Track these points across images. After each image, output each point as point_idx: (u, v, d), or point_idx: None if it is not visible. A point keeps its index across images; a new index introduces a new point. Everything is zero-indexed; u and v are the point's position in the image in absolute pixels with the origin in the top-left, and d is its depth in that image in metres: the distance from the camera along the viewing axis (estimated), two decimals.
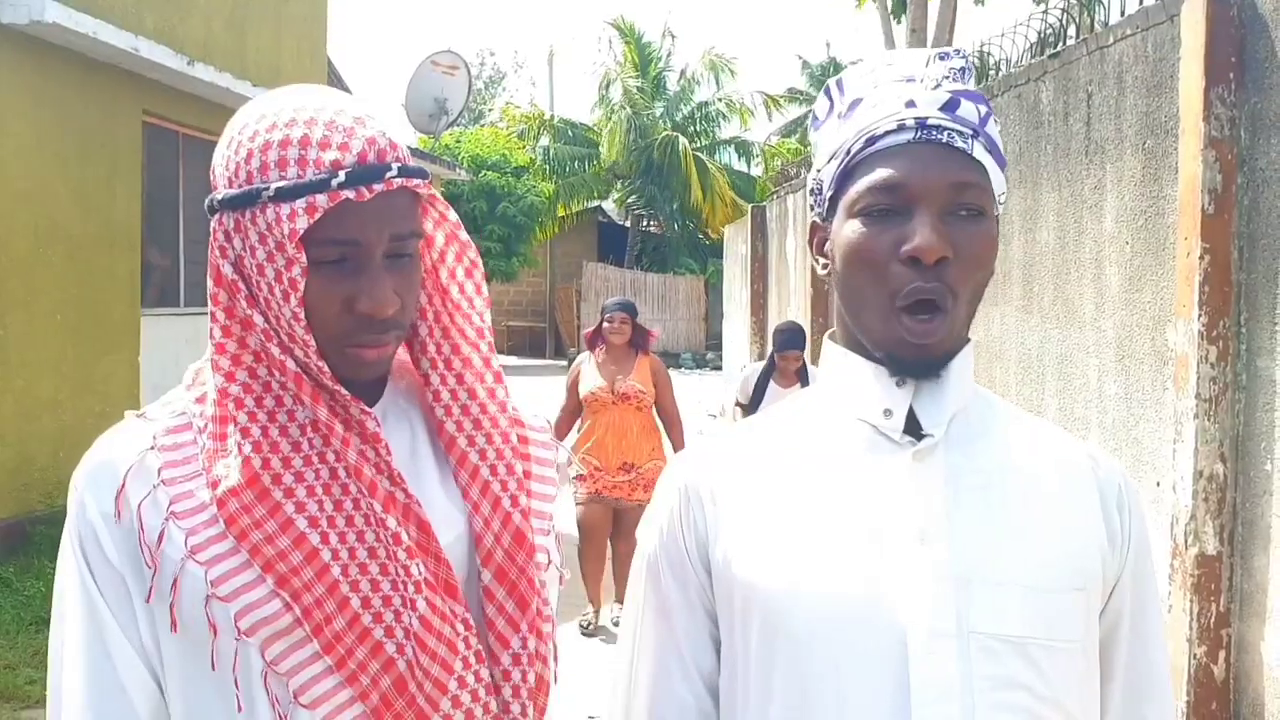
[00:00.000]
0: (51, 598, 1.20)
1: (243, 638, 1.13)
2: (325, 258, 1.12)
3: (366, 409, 1.18)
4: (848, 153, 1.14)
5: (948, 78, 1.14)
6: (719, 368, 20.63)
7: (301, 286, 1.12)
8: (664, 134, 26.61)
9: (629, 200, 28.60)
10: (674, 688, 1.19)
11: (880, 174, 1.11)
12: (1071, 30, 5.99)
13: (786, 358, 6.41)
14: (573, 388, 6.33)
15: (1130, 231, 5.07)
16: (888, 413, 1.15)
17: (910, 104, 1.12)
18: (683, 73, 29.31)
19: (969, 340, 1.21)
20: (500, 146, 24.17)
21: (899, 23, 12.93)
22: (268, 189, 1.11)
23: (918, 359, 1.13)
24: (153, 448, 1.18)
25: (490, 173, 23.01)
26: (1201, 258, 4.27)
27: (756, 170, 29.34)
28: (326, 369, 1.15)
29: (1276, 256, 4.07)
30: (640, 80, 28.44)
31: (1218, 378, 4.25)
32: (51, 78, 6.83)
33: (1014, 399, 6.25)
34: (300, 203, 1.10)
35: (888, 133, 1.11)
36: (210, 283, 1.17)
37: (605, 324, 6.37)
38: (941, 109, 1.12)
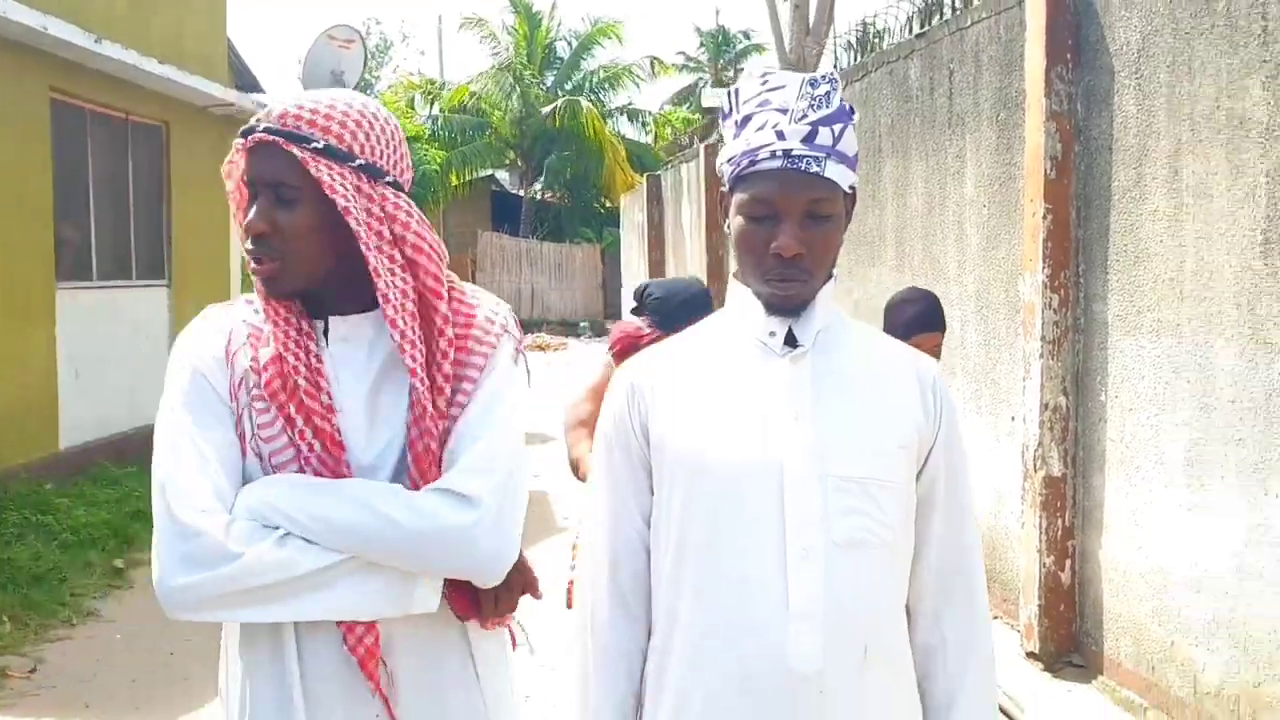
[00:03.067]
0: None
1: (274, 470, 1.58)
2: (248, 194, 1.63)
3: (309, 321, 1.63)
4: (738, 164, 1.61)
5: (812, 106, 1.60)
6: None
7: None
8: (564, 99, 26.84)
9: (523, 168, 28.77)
10: (623, 526, 1.68)
11: (757, 191, 1.58)
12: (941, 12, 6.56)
13: (919, 345, 3.26)
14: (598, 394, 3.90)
15: (987, 195, 5.67)
16: (772, 334, 1.65)
17: (780, 135, 1.58)
18: (571, 42, 29.55)
19: (832, 277, 1.69)
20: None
21: (784, 0, 13.49)
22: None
23: (784, 307, 1.64)
24: (245, 320, 1.65)
25: None
26: (1044, 217, 4.87)
27: (649, 139, 29.79)
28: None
29: (1107, 214, 4.68)
30: (529, 48, 28.62)
31: (1060, 322, 4.87)
32: None
33: None
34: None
35: (764, 159, 1.58)
36: None
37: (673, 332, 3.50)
38: (803, 140, 1.56)
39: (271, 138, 1.57)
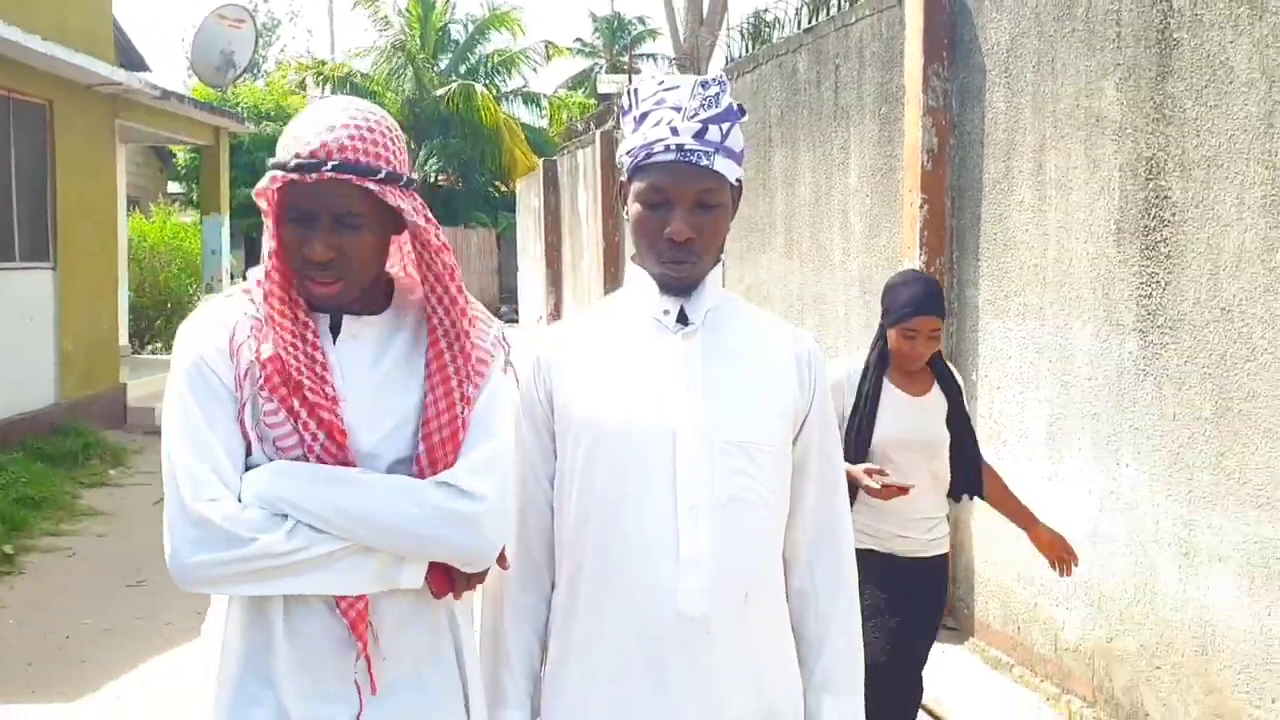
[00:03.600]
0: None
1: (278, 454, 1.68)
2: (292, 216, 1.66)
3: (315, 323, 1.69)
4: (636, 156, 1.79)
5: (703, 105, 1.78)
6: (515, 320, 21.11)
7: (270, 229, 1.68)
8: (458, 83, 26.66)
9: (415, 150, 28.52)
10: (530, 485, 1.86)
11: (652, 180, 1.76)
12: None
13: (914, 329, 3.29)
14: None
15: (870, 186, 5.94)
16: (666, 312, 1.83)
17: (674, 131, 1.76)
18: (467, 26, 29.38)
19: (720, 261, 1.88)
20: (278, 98, 23.82)
21: None
22: (269, 160, 1.66)
23: (676, 287, 1.82)
24: (245, 314, 1.70)
25: (271, 123, 22.68)
26: (922, 207, 5.15)
27: (544, 122, 29.78)
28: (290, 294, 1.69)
29: (979, 205, 4.97)
30: (423, 31, 28.35)
31: None
32: None
33: None
34: (271, 173, 1.65)
35: (659, 152, 1.76)
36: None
37: None
38: (694, 136, 1.74)
39: (344, 176, 1.60)
